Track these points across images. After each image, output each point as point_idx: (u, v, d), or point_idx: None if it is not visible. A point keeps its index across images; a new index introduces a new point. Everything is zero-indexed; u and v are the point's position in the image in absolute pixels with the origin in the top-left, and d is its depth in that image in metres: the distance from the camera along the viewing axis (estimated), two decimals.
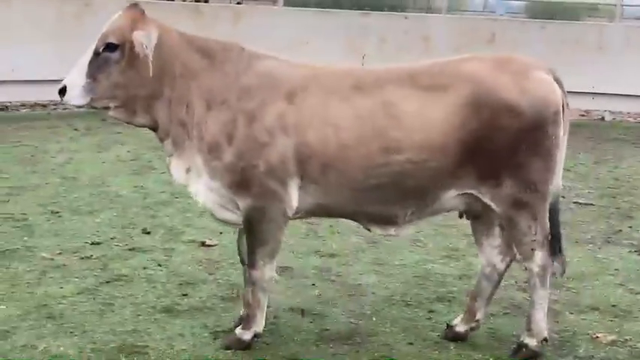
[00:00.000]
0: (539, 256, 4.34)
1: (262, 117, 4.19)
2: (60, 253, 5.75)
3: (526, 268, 4.42)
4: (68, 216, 6.66)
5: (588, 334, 4.81)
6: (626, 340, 4.75)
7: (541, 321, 4.40)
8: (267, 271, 4.33)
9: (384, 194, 4.24)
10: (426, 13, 16.94)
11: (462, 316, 4.65)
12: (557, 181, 4.42)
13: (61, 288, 5.14)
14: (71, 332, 4.52)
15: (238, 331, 4.40)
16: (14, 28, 11.29)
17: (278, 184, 4.20)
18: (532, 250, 4.34)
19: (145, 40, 4.15)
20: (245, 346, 4.36)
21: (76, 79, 4.15)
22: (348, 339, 4.61)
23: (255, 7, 15.34)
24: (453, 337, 4.61)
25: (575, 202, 7.83)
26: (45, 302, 4.90)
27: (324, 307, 5.04)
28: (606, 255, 6.30)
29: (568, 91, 4.40)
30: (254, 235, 4.29)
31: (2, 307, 4.80)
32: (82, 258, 5.70)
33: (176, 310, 4.89)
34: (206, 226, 6.47)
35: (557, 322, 4.94)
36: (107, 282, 5.26)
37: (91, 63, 4.16)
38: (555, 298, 5.26)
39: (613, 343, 4.70)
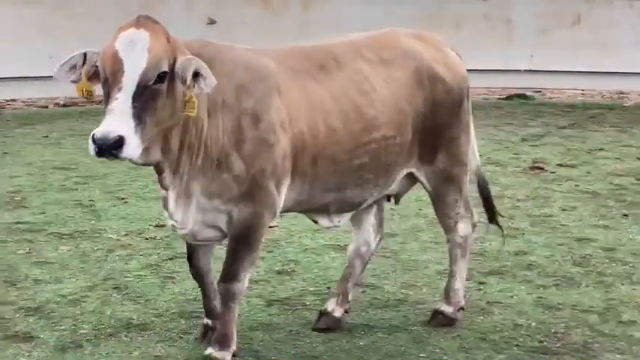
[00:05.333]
0: (462, 227, 4.92)
1: (264, 115, 4.14)
2: (125, 235, 6.55)
3: (448, 240, 4.98)
4: (134, 202, 7.48)
5: (636, 302, 5.34)
6: None
7: (459, 290, 4.94)
8: (246, 282, 4.33)
9: (363, 175, 4.47)
10: None
11: (335, 300, 4.89)
12: (477, 155, 5.14)
13: (127, 264, 5.91)
14: (135, 301, 5.27)
15: (217, 354, 4.29)
16: None
17: (275, 185, 4.20)
18: (455, 222, 4.89)
19: (205, 70, 3.81)
20: None
21: (127, 125, 3.63)
22: (396, 307, 5.24)
23: None
24: (331, 323, 4.83)
25: None
26: (111, 276, 5.67)
27: (377, 280, 5.68)
28: None
29: None
30: (244, 244, 4.22)
31: (73, 279, 5.59)
32: (147, 239, 6.47)
33: None
34: None
35: (607, 291, 5.49)
36: (170, 259, 6.01)
37: (135, 100, 3.66)
38: (610, 271, 5.82)
39: None
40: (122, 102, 3.63)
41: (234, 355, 4.36)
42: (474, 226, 5.04)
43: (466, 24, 13.89)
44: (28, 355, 4.49)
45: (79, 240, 6.40)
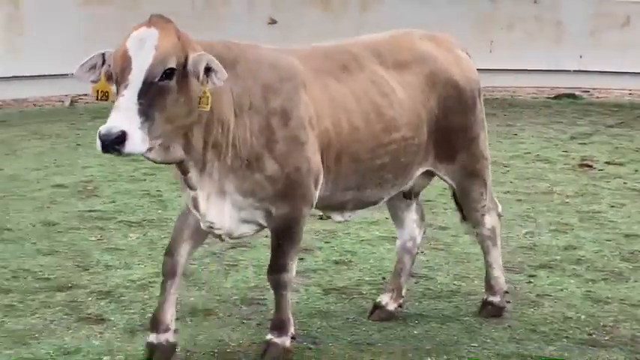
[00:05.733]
0: (489, 220, 4.83)
1: (293, 112, 4.02)
2: None
3: (477, 234, 4.89)
4: None
5: None
6: None
7: (500, 277, 4.89)
8: (294, 271, 4.27)
9: (383, 175, 4.39)
10: None
11: (389, 294, 4.87)
12: None
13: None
14: (199, 287, 5.31)
15: (277, 340, 4.25)
16: None
17: (314, 182, 4.12)
18: (482, 215, 4.81)
19: (215, 64, 3.66)
20: (290, 353, 4.27)
21: (131, 121, 3.49)
22: (447, 297, 5.21)
23: None
24: (385, 316, 4.82)
25: None
26: None
27: (430, 271, 5.65)
28: None
29: None
30: (287, 237, 4.17)
31: (142, 266, 5.64)
32: None
33: None
34: None
35: None
36: (232, 248, 6.02)
37: (141, 97, 3.53)
38: None
39: None
40: (127, 98, 3.52)
41: (293, 338, 4.33)
42: (499, 216, 4.97)
43: (517, 25, 13.77)
44: (100, 337, 4.54)
45: (147, 228, 6.45)
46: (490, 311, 4.89)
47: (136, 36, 3.66)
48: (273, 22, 12.84)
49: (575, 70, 13.76)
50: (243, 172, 3.96)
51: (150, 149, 3.61)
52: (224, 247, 6.02)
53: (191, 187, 3.94)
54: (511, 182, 8.05)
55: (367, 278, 5.54)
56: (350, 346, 4.51)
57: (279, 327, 4.28)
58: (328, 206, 4.46)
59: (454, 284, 5.44)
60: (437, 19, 13.36)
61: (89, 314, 4.83)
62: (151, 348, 4.20)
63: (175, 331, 4.27)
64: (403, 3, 13.95)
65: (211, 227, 4.07)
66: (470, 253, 6.02)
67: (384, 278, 5.43)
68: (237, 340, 4.53)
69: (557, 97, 13.38)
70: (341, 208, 4.49)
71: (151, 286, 5.24)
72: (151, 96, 3.53)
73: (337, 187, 4.30)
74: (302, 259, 5.84)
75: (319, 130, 4.10)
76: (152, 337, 4.20)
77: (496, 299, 4.89)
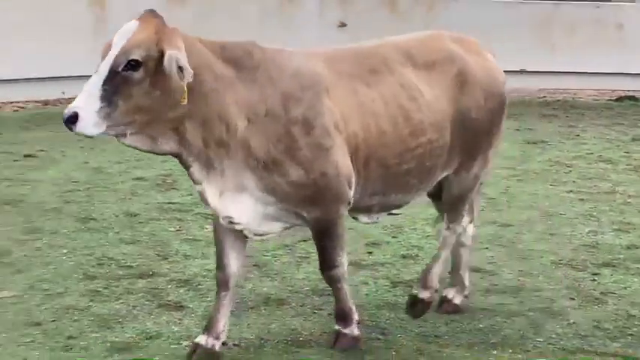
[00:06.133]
0: (465, 220, 4.64)
1: (317, 120, 3.86)
2: None
3: (447, 228, 4.62)
4: None
5: None
6: None
7: (437, 275, 4.62)
8: (345, 263, 4.16)
9: (409, 181, 4.22)
10: (620, 1, 16.71)
11: (453, 289, 4.79)
12: None
13: (264, 244, 5.90)
14: (272, 278, 5.30)
15: (346, 330, 4.22)
16: None
17: (347, 184, 3.98)
18: (461, 215, 4.59)
19: (183, 61, 3.56)
20: (359, 340, 4.24)
21: (88, 104, 3.50)
22: (513, 293, 5.11)
23: None
24: (452, 310, 4.73)
25: None
26: (250, 254, 5.67)
27: (494, 267, 5.55)
28: None
29: None
30: (327, 237, 4.05)
31: (208, 261, 5.61)
32: None
33: (361, 264, 5.56)
34: None
35: None
36: (304, 240, 5.98)
37: (105, 84, 3.53)
38: None
39: None
40: (92, 83, 3.53)
41: (358, 323, 4.28)
42: (471, 221, 4.77)
43: (579, 28, 13.49)
44: (179, 323, 4.56)
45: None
46: (420, 308, 4.61)
47: (123, 29, 3.66)
48: (342, 25, 12.83)
49: (636, 73, 13.44)
50: (261, 173, 3.82)
51: (122, 136, 3.61)
52: (296, 239, 6.00)
53: (195, 182, 3.85)
54: (574, 182, 7.87)
55: None
56: (417, 338, 4.46)
57: (343, 317, 4.24)
58: (355, 209, 4.22)
59: (518, 280, 5.33)
60: (501, 21, 13.24)
61: (169, 301, 4.85)
62: (196, 348, 4.07)
63: (224, 343, 4.13)
64: (468, 4, 13.78)
65: (231, 222, 3.93)
66: (533, 250, 5.93)
67: (449, 273, 5.34)
68: (309, 330, 4.51)
69: (619, 99, 13.06)
70: (367, 211, 4.33)
71: None
72: (115, 84, 3.52)
73: (365, 191, 4.13)
74: (370, 252, 5.82)
75: (347, 134, 3.94)
76: (201, 338, 4.09)
77: (426, 295, 4.60)
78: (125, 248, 5.72)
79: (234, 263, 4.09)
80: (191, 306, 4.79)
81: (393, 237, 6.17)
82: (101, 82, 3.52)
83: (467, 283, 4.84)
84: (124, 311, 4.69)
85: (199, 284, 5.12)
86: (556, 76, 12.94)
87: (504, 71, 4.62)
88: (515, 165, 8.39)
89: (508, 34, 12.66)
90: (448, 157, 4.32)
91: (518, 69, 12.09)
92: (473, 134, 4.36)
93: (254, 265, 5.48)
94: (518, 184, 7.71)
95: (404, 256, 5.76)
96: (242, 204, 3.85)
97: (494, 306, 4.89)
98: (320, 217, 3.98)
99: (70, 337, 4.34)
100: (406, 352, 4.29)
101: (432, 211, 4.87)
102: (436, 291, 4.64)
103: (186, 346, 4.24)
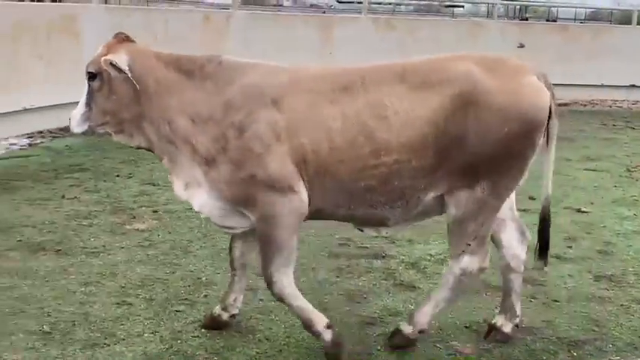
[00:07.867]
0: (466, 260, 3.69)
1: (251, 126, 3.54)
2: None
3: (449, 266, 3.80)
4: None
5: None
6: None
7: (427, 315, 3.82)
8: (285, 280, 3.63)
9: (372, 197, 3.62)
10: None
11: (503, 316, 4.02)
12: (547, 189, 3.83)
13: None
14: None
15: (320, 339, 3.72)
16: None
17: (286, 189, 3.54)
18: (462, 252, 3.68)
19: (120, 61, 3.63)
20: (340, 345, 3.71)
21: (77, 109, 3.78)
22: None
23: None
24: (501, 339, 3.98)
25: None
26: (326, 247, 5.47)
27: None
28: None
29: None
30: (267, 243, 3.61)
31: (438, 242, 5.48)
32: None
33: (563, 258, 5.29)
34: (580, 197, 6.77)
35: None
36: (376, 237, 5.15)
37: (86, 93, 3.77)
38: None
39: None
40: (83, 93, 3.78)
41: (328, 327, 3.69)
42: (480, 269, 3.73)
43: None
44: (414, 301, 4.47)
45: None
46: (399, 341, 3.89)
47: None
48: (521, 46, 12.82)
49: None
50: (204, 168, 3.64)
51: (108, 134, 3.77)
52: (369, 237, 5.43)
53: (169, 172, 3.79)
54: None
55: (630, 269, 5.12)
56: (629, 332, 4.18)
57: (308, 328, 3.71)
58: (337, 220, 3.78)
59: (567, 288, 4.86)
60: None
61: (402, 281, 4.80)
62: (211, 315, 4.07)
63: (232, 316, 4.03)
64: (633, 31, 13.53)
65: (199, 212, 3.75)
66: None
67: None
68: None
69: None
70: (347, 220, 3.79)
71: (447, 261, 5.07)
72: (89, 93, 3.75)
73: (326, 201, 3.63)
74: (570, 247, 5.50)
75: (292, 144, 3.52)
76: (216, 308, 4.07)
77: (407, 330, 3.87)
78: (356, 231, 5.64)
79: (237, 248, 3.98)
80: (421, 287, 4.70)
81: (587, 233, 5.83)
82: (86, 92, 3.77)
83: (518, 310, 4.03)
84: (366, 288, 4.66)
85: (425, 267, 5.04)
86: None
87: None
88: None
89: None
90: (431, 178, 3.58)
91: None
92: (472, 156, 3.51)
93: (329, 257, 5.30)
94: None
95: (599, 252, 5.44)
96: (200, 197, 3.69)
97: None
98: (258, 219, 3.60)
99: (324, 309, 4.04)
100: (621, 344, 4.04)
101: (620, 211, 4.49)
102: (422, 332, 3.86)
103: None
